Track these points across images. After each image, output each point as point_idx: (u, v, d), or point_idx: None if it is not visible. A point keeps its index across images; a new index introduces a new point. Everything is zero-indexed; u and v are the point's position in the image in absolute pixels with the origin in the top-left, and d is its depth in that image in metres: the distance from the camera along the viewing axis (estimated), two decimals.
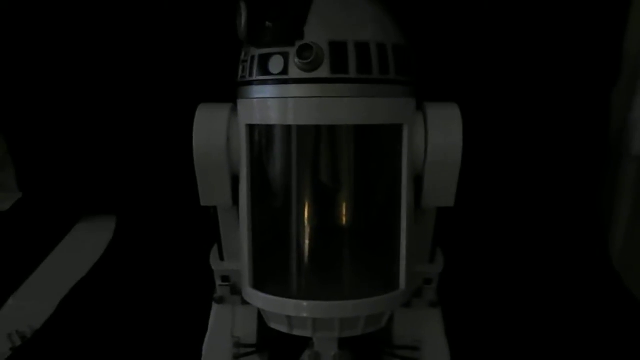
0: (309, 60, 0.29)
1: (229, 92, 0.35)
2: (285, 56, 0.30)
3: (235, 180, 0.34)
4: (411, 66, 0.33)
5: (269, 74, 0.31)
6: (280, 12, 0.31)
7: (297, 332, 0.34)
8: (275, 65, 0.31)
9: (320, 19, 0.31)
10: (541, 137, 0.59)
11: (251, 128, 0.33)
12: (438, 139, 0.33)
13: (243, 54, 0.33)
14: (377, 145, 0.34)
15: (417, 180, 0.34)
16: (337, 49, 0.30)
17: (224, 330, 0.41)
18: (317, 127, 0.33)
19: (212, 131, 0.33)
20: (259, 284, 0.34)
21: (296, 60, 0.30)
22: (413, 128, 0.33)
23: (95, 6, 0.57)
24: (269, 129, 0.33)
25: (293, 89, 0.30)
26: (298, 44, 0.30)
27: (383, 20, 0.32)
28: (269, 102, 0.31)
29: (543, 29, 0.55)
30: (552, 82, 0.57)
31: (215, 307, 0.42)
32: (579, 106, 0.58)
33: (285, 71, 0.30)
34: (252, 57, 0.32)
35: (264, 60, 0.31)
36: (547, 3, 0.54)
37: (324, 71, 0.30)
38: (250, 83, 0.32)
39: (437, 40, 0.54)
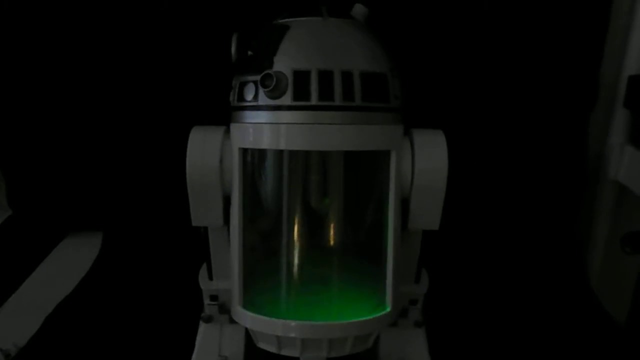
0: (270, 89, 0.31)
1: (223, 115, 0.36)
2: (256, 84, 0.32)
3: (226, 201, 0.35)
4: (398, 94, 0.34)
5: (244, 100, 0.33)
6: (259, 42, 0.33)
7: (285, 352, 0.35)
8: (249, 92, 0.33)
9: (291, 48, 0.32)
10: (521, 162, 0.60)
11: (244, 151, 0.34)
12: (424, 164, 0.34)
13: (233, 80, 0.34)
14: (366, 170, 0.36)
15: (404, 203, 0.35)
16: (324, 78, 0.31)
17: (212, 349, 0.42)
18: (308, 152, 0.34)
19: (205, 153, 0.34)
20: (248, 304, 0.35)
21: (260, 87, 0.31)
22: (400, 153, 0.34)
23: (89, 26, 0.57)
24: (261, 152, 0.34)
25: (285, 115, 0.31)
26: (262, 73, 0.31)
27: (370, 49, 0.33)
28: (261, 127, 0.32)
29: (523, 57, 0.57)
30: (532, 109, 0.59)
31: (202, 325, 0.42)
32: (558, 132, 0.60)
33: (255, 98, 0.32)
34: (236, 84, 0.34)
35: (242, 88, 0.33)
36: (526, 32, 0.56)
37: (314, 99, 0.31)
38: (243, 108, 0.33)
39: (422, 68, 0.55)
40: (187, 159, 0.34)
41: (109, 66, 0.58)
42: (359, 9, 0.36)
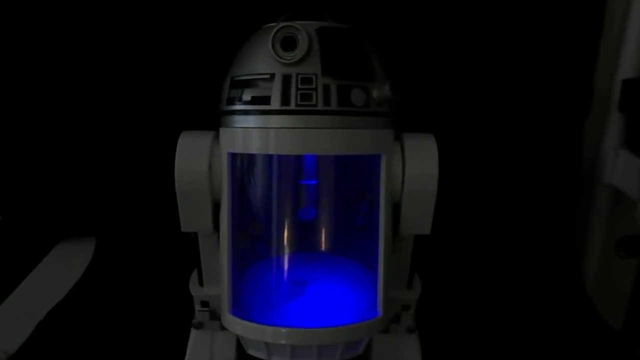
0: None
1: (212, 120, 0.36)
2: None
3: (216, 207, 0.35)
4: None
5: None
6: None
7: (275, 359, 0.34)
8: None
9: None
10: (516, 166, 0.60)
11: (233, 156, 0.34)
12: (415, 168, 0.34)
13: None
14: (356, 174, 0.35)
15: (395, 208, 0.35)
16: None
17: (203, 355, 0.41)
18: (298, 156, 0.34)
19: (194, 158, 0.34)
20: (238, 310, 0.34)
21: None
22: (391, 158, 0.34)
23: (79, 31, 0.57)
24: (250, 157, 0.34)
25: (274, 120, 0.31)
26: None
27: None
28: (250, 132, 0.32)
29: (517, 61, 0.57)
30: (527, 113, 0.59)
31: (193, 332, 0.42)
32: (553, 136, 0.60)
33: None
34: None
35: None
36: (520, 36, 0.56)
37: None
38: (233, 112, 0.33)
39: (415, 73, 0.55)
40: (176, 164, 0.34)
41: (101, 73, 0.58)
42: None
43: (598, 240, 0.64)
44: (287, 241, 0.35)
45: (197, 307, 0.40)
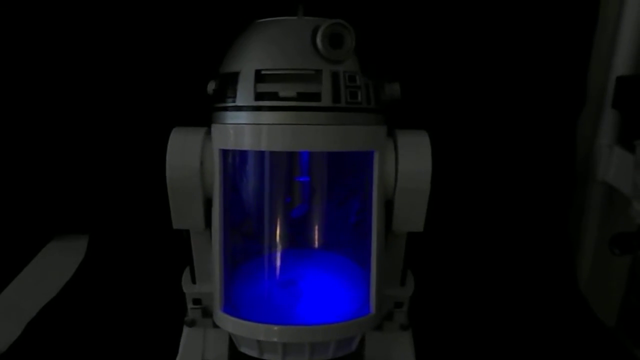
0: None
1: (203, 116, 0.35)
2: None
3: (207, 204, 0.35)
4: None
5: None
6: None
7: (267, 356, 0.34)
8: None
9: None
10: (509, 163, 0.60)
11: (224, 152, 0.33)
12: (408, 165, 0.34)
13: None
14: (349, 171, 0.35)
15: (388, 205, 0.35)
16: None
17: (195, 353, 0.41)
18: (290, 153, 0.34)
19: (185, 155, 0.34)
20: (230, 308, 0.34)
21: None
22: (384, 154, 0.34)
23: (72, 28, 0.57)
24: (242, 153, 0.34)
25: (266, 116, 0.31)
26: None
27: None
28: (242, 128, 0.32)
29: (511, 58, 0.57)
30: (520, 110, 0.59)
31: (186, 329, 0.41)
32: (546, 133, 0.60)
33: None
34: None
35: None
36: (514, 33, 0.56)
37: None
38: (224, 109, 0.33)
39: (409, 70, 0.55)
40: (167, 160, 0.33)
41: (95, 71, 0.58)
42: None
43: (592, 237, 0.64)
44: (279, 238, 0.35)
45: (190, 305, 0.40)
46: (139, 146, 0.58)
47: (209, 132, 0.34)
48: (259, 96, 0.31)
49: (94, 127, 0.60)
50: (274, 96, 0.30)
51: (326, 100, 0.30)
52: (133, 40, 0.57)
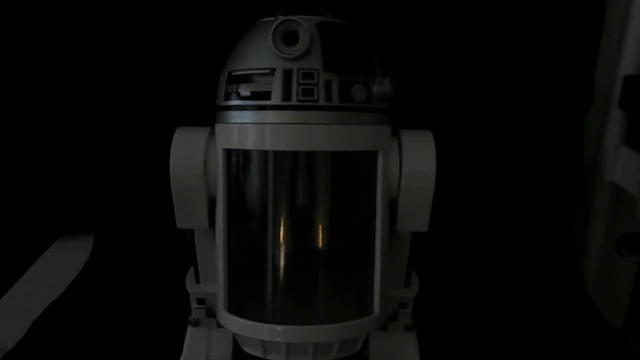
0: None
1: (208, 115, 0.35)
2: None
3: (211, 203, 0.35)
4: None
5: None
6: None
7: (270, 356, 0.34)
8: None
9: None
10: (516, 163, 0.60)
11: (228, 152, 0.33)
12: (412, 165, 0.34)
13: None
14: (353, 171, 0.35)
15: (392, 205, 0.35)
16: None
17: (199, 353, 0.41)
18: (294, 152, 0.34)
19: (189, 154, 0.34)
20: (234, 308, 0.34)
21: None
22: (388, 154, 0.34)
23: (73, 27, 0.57)
24: (246, 153, 0.34)
25: (271, 115, 0.31)
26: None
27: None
28: (246, 128, 0.32)
29: (517, 57, 0.57)
30: (526, 110, 0.58)
31: (190, 329, 0.42)
32: (553, 133, 0.59)
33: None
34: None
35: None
36: (520, 32, 0.56)
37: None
38: (228, 108, 0.33)
39: (415, 69, 0.55)
40: (171, 160, 0.34)
41: (98, 70, 0.58)
42: None
43: (598, 238, 0.64)
44: (283, 238, 0.35)
45: (194, 305, 0.40)
46: (143, 146, 0.58)
47: (212, 132, 0.34)
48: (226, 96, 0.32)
49: (98, 128, 0.60)
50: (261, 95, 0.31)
51: (276, 98, 0.30)
52: (138, 40, 0.57)
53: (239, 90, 0.32)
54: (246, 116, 0.32)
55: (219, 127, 0.34)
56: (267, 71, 0.31)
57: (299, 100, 0.30)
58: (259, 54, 0.31)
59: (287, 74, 0.31)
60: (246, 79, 0.32)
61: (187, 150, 0.34)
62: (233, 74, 0.33)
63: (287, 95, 0.30)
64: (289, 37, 0.30)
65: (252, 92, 0.31)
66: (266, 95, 0.31)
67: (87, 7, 0.56)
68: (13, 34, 0.57)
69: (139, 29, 0.56)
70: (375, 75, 0.32)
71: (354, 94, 0.31)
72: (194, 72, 0.53)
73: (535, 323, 0.52)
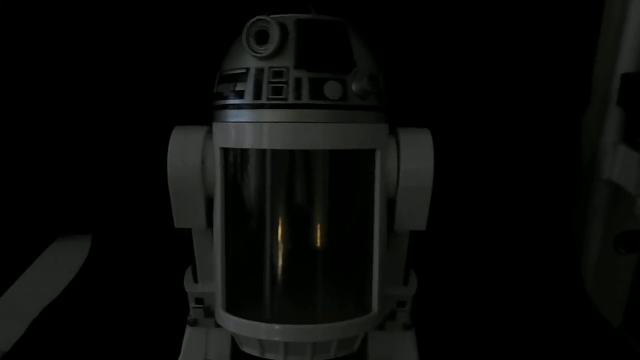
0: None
1: (205, 115, 0.35)
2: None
3: (209, 203, 0.35)
4: (384, 92, 0.33)
5: (227, 99, 0.33)
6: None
7: (269, 356, 0.34)
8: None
9: None
10: (514, 161, 0.60)
11: (226, 151, 0.33)
12: (410, 164, 0.34)
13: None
14: (351, 170, 0.35)
15: (391, 204, 0.35)
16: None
17: (198, 353, 0.41)
18: (292, 151, 0.33)
19: (187, 154, 0.34)
20: (232, 307, 0.34)
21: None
22: (386, 153, 0.34)
23: (72, 27, 0.57)
24: (243, 152, 0.34)
25: (268, 114, 0.31)
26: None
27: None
28: (243, 127, 0.32)
29: (516, 56, 0.57)
30: (525, 108, 0.58)
31: (188, 329, 0.41)
32: (551, 131, 0.59)
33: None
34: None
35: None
36: (519, 30, 0.56)
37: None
38: (226, 107, 0.32)
39: (413, 68, 0.55)
40: (169, 159, 0.33)
41: (97, 71, 0.58)
42: None
43: (597, 236, 0.64)
44: (281, 237, 0.35)
45: (192, 305, 0.40)
46: (141, 146, 0.58)
47: (210, 131, 0.34)
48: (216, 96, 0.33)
49: (96, 128, 0.60)
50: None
51: (248, 97, 0.31)
52: (136, 40, 0.57)
53: (223, 91, 0.33)
54: (244, 115, 0.32)
55: (216, 126, 0.34)
56: (244, 71, 0.31)
57: (268, 99, 0.30)
58: (238, 55, 0.32)
59: (259, 73, 0.31)
60: (230, 79, 0.32)
61: (184, 149, 0.34)
62: (223, 74, 0.33)
63: (257, 94, 0.31)
64: (262, 37, 0.30)
65: (233, 92, 0.32)
66: (241, 94, 0.31)
67: (86, 8, 0.56)
68: (13, 34, 0.57)
69: (138, 29, 0.56)
70: (352, 73, 0.31)
71: (327, 91, 0.31)
72: (192, 72, 0.52)
73: (534, 321, 0.52)
